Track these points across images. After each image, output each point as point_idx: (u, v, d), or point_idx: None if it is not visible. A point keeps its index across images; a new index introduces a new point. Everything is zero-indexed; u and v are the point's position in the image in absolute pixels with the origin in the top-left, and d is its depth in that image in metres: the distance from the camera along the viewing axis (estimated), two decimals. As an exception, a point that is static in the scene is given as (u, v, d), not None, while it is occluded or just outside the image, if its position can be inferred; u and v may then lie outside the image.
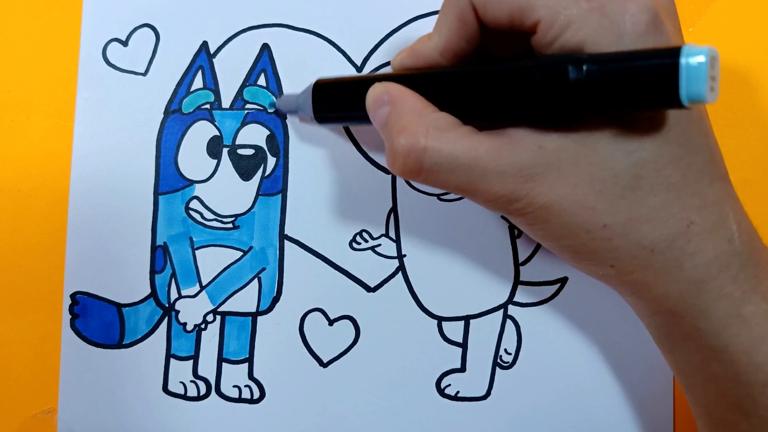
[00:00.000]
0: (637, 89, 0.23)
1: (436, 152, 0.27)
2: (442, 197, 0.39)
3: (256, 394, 0.39)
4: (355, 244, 0.39)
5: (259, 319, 0.39)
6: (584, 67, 0.24)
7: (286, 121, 0.40)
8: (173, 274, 0.40)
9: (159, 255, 0.40)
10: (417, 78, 0.30)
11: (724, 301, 0.27)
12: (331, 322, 0.39)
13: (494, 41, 0.30)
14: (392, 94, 0.29)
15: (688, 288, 0.27)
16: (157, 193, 0.40)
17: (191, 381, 0.39)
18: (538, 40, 0.26)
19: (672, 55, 0.22)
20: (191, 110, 0.40)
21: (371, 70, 0.40)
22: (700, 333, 0.28)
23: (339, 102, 0.34)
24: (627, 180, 0.26)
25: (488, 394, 0.39)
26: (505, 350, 0.39)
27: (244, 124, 0.40)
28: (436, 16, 0.39)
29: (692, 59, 0.22)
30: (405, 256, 0.39)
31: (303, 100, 0.36)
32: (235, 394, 0.39)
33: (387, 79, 0.31)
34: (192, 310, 0.39)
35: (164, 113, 0.40)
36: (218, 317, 0.39)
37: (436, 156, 0.27)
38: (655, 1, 0.26)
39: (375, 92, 0.30)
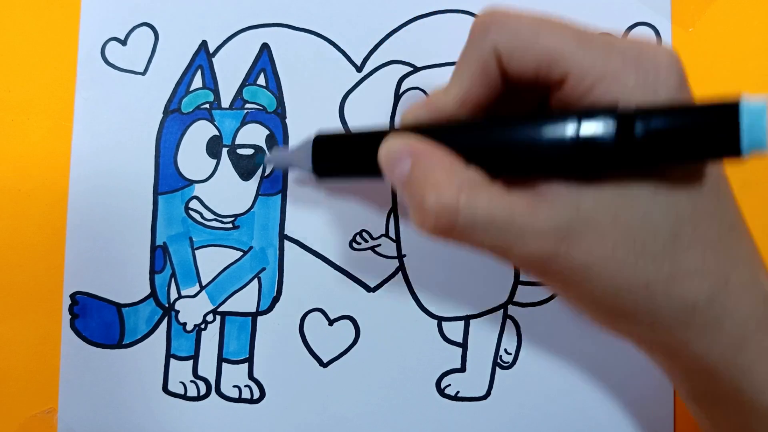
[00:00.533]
0: (696, 141, 0.22)
1: (471, 211, 0.25)
2: (442, 197, 0.39)
3: (256, 394, 0.39)
4: (355, 244, 0.39)
5: (259, 319, 0.39)
6: (641, 122, 0.23)
7: (286, 120, 0.40)
8: (173, 274, 0.40)
9: (159, 255, 0.40)
10: (440, 130, 0.27)
11: (765, 359, 0.27)
12: (331, 322, 0.39)
13: (510, 95, 0.28)
14: (415, 148, 0.27)
15: (729, 346, 0.26)
16: (156, 193, 0.40)
17: (191, 381, 0.39)
18: (565, 95, 0.25)
19: (730, 105, 0.21)
20: (191, 110, 0.40)
21: (371, 70, 0.40)
22: (741, 392, 0.27)
23: (343, 157, 0.32)
24: (666, 236, 0.25)
25: (488, 394, 0.39)
26: (505, 350, 0.39)
27: (243, 123, 0.40)
28: (435, 17, 0.39)
29: (753, 107, 0.21)
30: (405, 256, 0.39)
31: (300, 155, 0.33)
32: (235, 394, 0.39)
33: (404, 131, 0.28)
34: (192, 310, 0.39)
35: (163, 113, 0.40)
36: (218, 317, 0.39)
37: (470, 215, 0.25)
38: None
39: (393, 146, 0.28)
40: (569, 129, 0.24)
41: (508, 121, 0.26)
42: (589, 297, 0.26)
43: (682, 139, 0.22)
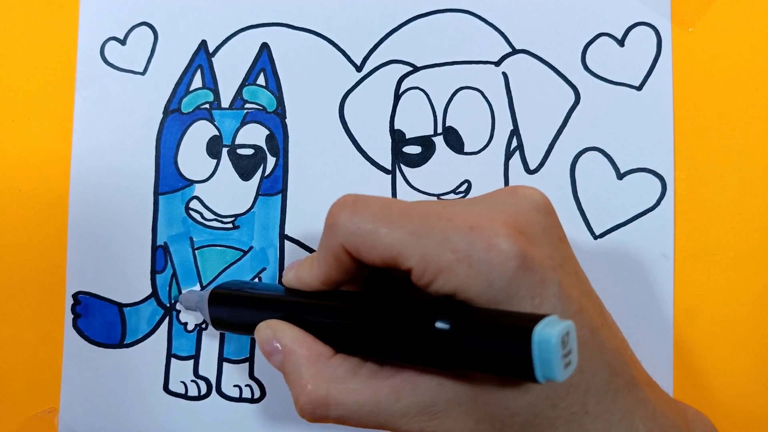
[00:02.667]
0: (497, 361, 0.23)
1: (339, 405, 0.27)
2: (442, 197, 0.39)
3: (257, 394, 0.39)
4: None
5: (260, 318, 0.39)
6: (445, 326, 0.24)
7: (286, 120, 0.40)
8: (174, 274, 0.40)
9: (159, 255, 0.40)
10: (306, 310, 0.30)
11: None
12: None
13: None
14: (283, 342, 0.29)
15: None
16: (157, 193, 0.40)
17: (192, 380, 0.39)
18: (415, 282, 0.26)
19: (524, 336, 0.22)
20: (190, 110, 0.40)
21: (371, 70, 0.40)
22: None
23: (233, 315, 0.34)
24: (524, 417, 0.25)
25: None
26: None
27: (243, 123, 0.40)
28: (435, 16, 0.39)
29: (544, 341, 0.21)
30: (405, 256, 0.39)
31: (201, 303, 0.35)
32: (235, 393, 0.39)
33: (279, 303, 0.31)
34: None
35: (163, 113, 0.40)
36: (219, 317, 0.40)
37: (340, 408, 0.27)
38: (524, 233, 0.25)
39: (263, 336, 0.30)
40: (403, 330, 0.26)
41: (362, 315, 0.28)
42: None
43: (487, 357, 0.23)
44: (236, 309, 0.33)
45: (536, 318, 0.22)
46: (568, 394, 0.25)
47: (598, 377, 0.26)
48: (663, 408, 0.28)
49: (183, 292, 0.39)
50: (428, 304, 0.26)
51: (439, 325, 0.24)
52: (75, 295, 0.40)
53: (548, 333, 0.21)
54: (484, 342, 0.23)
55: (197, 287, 0.40)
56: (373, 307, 0.28)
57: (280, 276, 0.39)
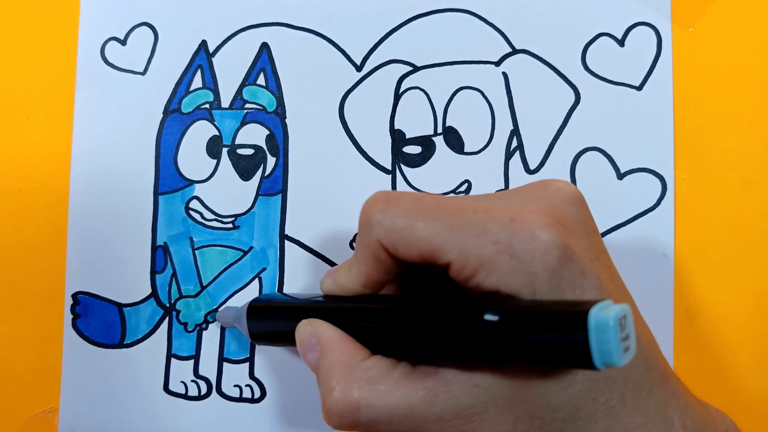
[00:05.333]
0: (552, 351, 0.22)
1: (370, 408, 0.26)
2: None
3: (257, 394, 0.39)
4: (355, 244, 0.39)
5: (260, 318, 0.39)
6: (494, 318, 0.23)
7: (286, 120, 0.40)
8: (174, 274, 0.40)
9: (159, 255, 0.40)
10: (344, 314, 0.30)
11: None
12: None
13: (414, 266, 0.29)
14: (321, 340, 0.29)
15: None
16: (156, 193, 0.40)
17: (192, 380, 0.39)
18: (454, 277, 0.26)
19: (580, 321, 0.21)
20: (190, 110, 0.40)
21: (371, 70, 0.40)
22: None
23: (272, 327, 0.34)
24: (565, 413, 0.25)
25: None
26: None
27: (243, 123, 0.40)
28: (435, 15, 0.39)
29: (601, 324, 0.21)
30: (405, 256, 0.39)
31: (239, 318, 0.35)
32: (236, 393, 0.39)
33: (318, 310, 0.30)
34: (193, 309, 0.40)
35: (163, 113, 0.40)
36: (219, 317, 0.40)
37: (371, 412, 0.26)
38: (563, 224, 0.25)
39: (302, 334, 0.30)
40: (446, 326, 0.25)
41: (402, 314, 0.27)
42: None
43: (540, 348, 0.23)
44: (275, 321, 0.33)
45: (589, 303, 0.21)
46: (607, 387, 0.25)
47: (635, 370, 0.26)
48: (692, 402, 0.28)
49: (220, 309, 0.39)
50: (474, 298, 0.25)
51: (488, 317, 0.23)
52: (74, 295, 0.40)
53: (605, 316, 0.21)
54: (538, 332, 0.22)
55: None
56: (416, 305, 0.27)
57: (281, 276, 0.39)
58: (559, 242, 0.24)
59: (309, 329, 0.30)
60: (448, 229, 0.25)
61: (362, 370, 0.27)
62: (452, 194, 0.39)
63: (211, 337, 0.39)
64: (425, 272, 0.29)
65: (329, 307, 0.30)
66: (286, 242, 0.39)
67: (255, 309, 0.34)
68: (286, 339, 0.32)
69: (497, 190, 0.39)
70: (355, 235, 0.39)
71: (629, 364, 0.25)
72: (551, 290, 0.24)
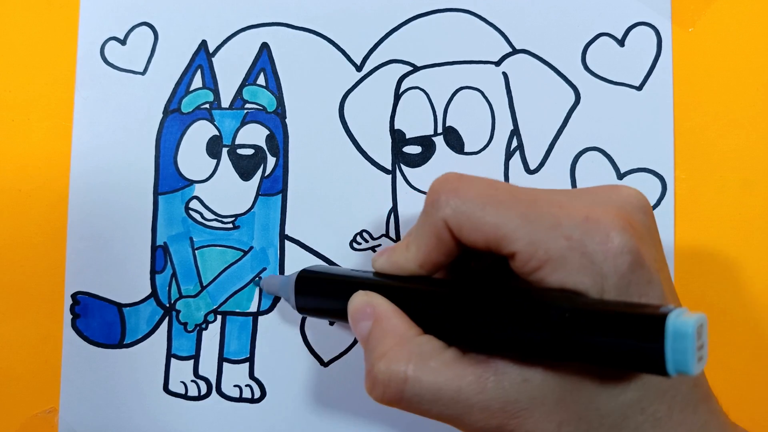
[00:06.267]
0: (623, 354, 0.22)
1: (417, 382, 0.26)
2: (442, 197, 0.39)
3: (257, 394, 0.39)
4: (355, 244, 0.39)
5: (260, 318, 0.39)
6: (571, 325, 0.23)
7: (286, 120, 0.40)
8: (174, 274, 0.40)
9: (159, 255, 0.40)
10: (401, 292, 0.29)
11: None
12: (331, 322, 0.39)
13: (471, 251, 0.28)
14: (376, 310, 0.28)
15: None
16: (156, 193, 0.40)
17: (192, 381, 0.39)
18: (517, 267, 0.25)
19: (658, 325, 0.21)
20: (190, 110, 0.40)
21: (371, 70, 0.40)
22: None
23: (321, 298, 0.33)
24: (613, 420, 0.25)
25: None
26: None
27: (243, 123, 0.40)
28: (435, 15, 0.39)
29: (679, 329, 0.21)
30: (405, 255, 0.39)
31: (286, 288, 0.35)
32: (236, 393, 0.39)
33: (373, 285, 0.30)
34: (193, 309, 0.40)
35: (163, 113, 0.40)
36: (219, 317, 0.40)
37: (417, 386, 0.26)
38: (636, 230, 0.25)
39: (357, 302, 0.29)
40: (510, 318, 0.24)
41: (462, 300, 0.27)
42: None
43: (609, 349, 0.22)
44: (326, 293, 0.33)
45: (664, 309, 0.21)
46: (657, 399, 0.25)
47: (684, 385, 0.25)
48: (728, 423, 0.27)
49: (264, 276, 0.38)
50: (540, 291, 0.24)
51: (558, 313, 0.23)
52: (74, 296, 0.40)
53: (684, 323, 0.21)
54: (609, 333, 0.22)
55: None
56: (480, 292, 0.26)
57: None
58: (632, 247, 0.24)
59: (365, 298, 0.29)
60: (520, 218, 0.25)
61: (415, 344, 0.27)
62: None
63: (211, 337, 0.39)
64: (481, 259, 0.29)
65: (385, 284, 0.30)
66: (286, 242, 0.39)
67: (305, 280, 0.33)
68: (335, 313, 0.31)
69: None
70: (356, 235, 0.39)
71: (681, 378, 0.25)
72: (619, 294, 0.24)
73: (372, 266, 0.31)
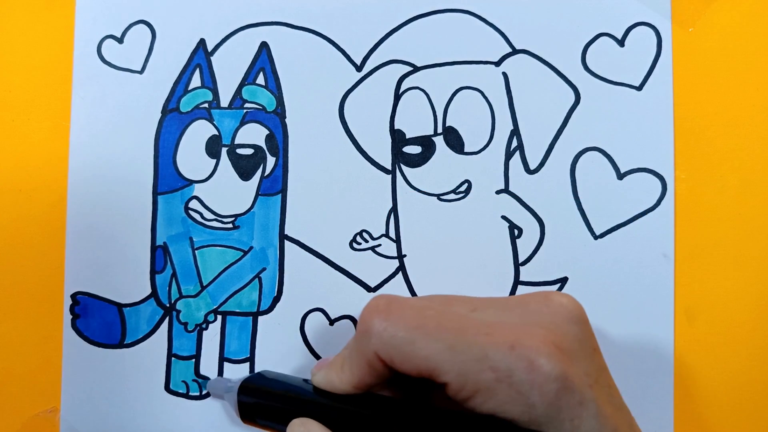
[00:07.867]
0: None
1: None
2: (442, 197, 0.39)
3: (258, 394, 0.39)
4: (355, 244, 0.39)
5: (260, 318, 0.39)
6: None
7: (286, 120, 0.40)
8: (174, 274, 0.40)
9: (159, 255, 0.40)
10: (335, 413, 0.30)
11: None
12: (331, 322, 0.39)
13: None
14: None
15: None
16: (156, 193, 0.40)
17: (193, 380, 0.39)
18: (451, 396, 0.26)
19: None
20: (189, 109, 0.40)
21: (371, 70, 0.39)
22: None
23: (262, 413, 0.34)
24: None
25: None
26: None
27: (243, 123, 0.40)
28: (435, 16, 0.39)
29: None
30: (405, 256, 0.39)
31: (230, 396, 0.35)
32: (236, 393, 0.39)
33: (310, 405, 0.30)
34: (193, 309, 0.40)
35: (162, 112, 0.40)
36: (219, 317, 0.40)
37: None
38: (564, 351, 0.25)
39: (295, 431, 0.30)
40: None
41: (391, 425, 0.28)
42: None
43: None
44: (266, 404, 0.33)
45: None
46: None
47: None
48: None
49: (211, 379, 0.39)
50: (474, 417, 0.25)
51: None
52: (73, 296, 0.40)
53: None
54: None
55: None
56: (411, 417, 0.27)
57: (280, 276, 0.39)
58: (558, 373, 0.24)
59: (301, 429, 0.30)
60: (448, 351, 0.25)
61: None
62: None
63: (211, 337, 0.40)
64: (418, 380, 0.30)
65: (321, 404, 0.31)
66: (286, 242, 0.39)
67: (246, 389, 0.34)
68: (275, 424, 0.32)
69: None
70: (356, 235, 0.39)
71: None
72: (549, 420, 0.24)
73: (311, 379, 0.32)
